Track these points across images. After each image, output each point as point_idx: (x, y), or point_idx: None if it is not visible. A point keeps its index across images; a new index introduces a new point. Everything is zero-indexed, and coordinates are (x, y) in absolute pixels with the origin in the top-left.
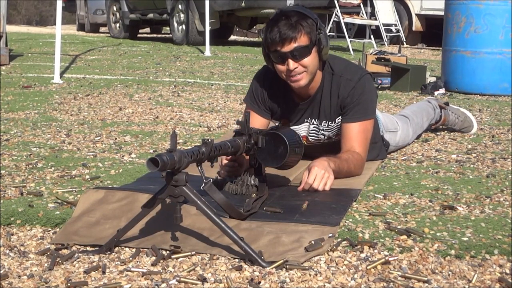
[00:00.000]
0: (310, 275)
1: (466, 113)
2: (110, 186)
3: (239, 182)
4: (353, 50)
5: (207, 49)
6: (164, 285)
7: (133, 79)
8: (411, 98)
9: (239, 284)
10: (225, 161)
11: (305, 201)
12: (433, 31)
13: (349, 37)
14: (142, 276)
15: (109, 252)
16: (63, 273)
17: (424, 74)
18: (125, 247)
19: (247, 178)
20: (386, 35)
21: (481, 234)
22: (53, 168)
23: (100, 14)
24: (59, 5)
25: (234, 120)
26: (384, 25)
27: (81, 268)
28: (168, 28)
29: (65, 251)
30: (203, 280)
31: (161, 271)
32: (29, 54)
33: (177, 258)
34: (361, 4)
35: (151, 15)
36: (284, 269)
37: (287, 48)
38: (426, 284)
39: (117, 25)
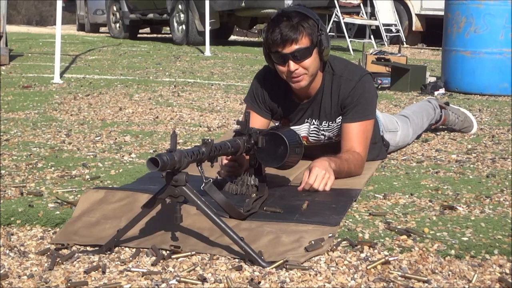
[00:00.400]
0: (310, 275)
1: (466, 113)
2: (110, 186)
3: (239, 182)
4: (353, 50)
5: (207, 49)
6: (164, 285)
7: (133, 79)
8: (411, 98)
9: (239, 284)
10: (225, 161)
11: (305, 201)
12: (433, 31)
13: (349, 37)
14: (142, 276)
15: (109, 252)
16: (63, 273)
17: (424, 74)
18: (125, 247)
19: (247, 178)
20: (386, 35)
21: (481, 234)
22: (53, 168)
23: (100, 14)
24: (59, 5)
25: (234, 120)
26: (384, 25)
27: (81, 268)
28: (168, 28)
29: (65, 251)
30: (203, 280)
31: (161, 271)
32: (29, 54)
33: (177, 258)
34: (361, 4)
35: (151, 15)
36: (284, 269)
37: (288, 49)
38: (426, 284)
39: (117, 25)
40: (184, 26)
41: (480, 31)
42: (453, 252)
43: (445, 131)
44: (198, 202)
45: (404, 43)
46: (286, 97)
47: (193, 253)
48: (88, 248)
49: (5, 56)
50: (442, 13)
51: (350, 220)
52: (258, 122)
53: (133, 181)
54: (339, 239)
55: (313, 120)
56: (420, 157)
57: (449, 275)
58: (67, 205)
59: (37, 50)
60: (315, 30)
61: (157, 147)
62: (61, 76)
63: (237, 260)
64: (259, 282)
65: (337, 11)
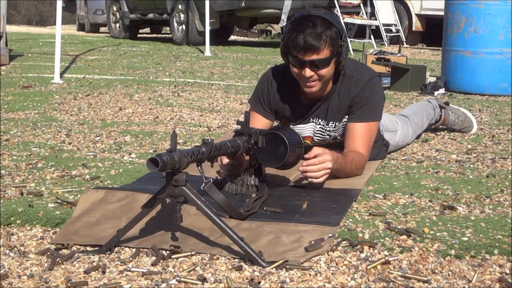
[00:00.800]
0: (310, 275)
1: (466, 113)
2: (110, 186)
3: (239, 182)
4: (353, 50)
5: (207, 49)
6: (164, 285)
7: (133, 79)
8: (411, 98)
9: (239, 284)
10: (225, 161)
11: (305, 201)
12: (433, 31)
13: (349, 37)
14: (142, 276)
15: (109, 252)
16: (63, 273)
17: (424, 74)
18: (125, 247)
19: (247, 178)
20: (386, 35)
21: (481, 234)
22: (53, 168)
23: (100, 14)
24: (59, 5)
25: (234, 120)
26: (384, 25)
27: (81, 268)
28: (168, 28)
29: (65, 251)
30: (203, 280)
31: (161, 271)
32: (29, 54)
33: (177, 258)
34: (361, 4)
35: (151, 15)
36: (284, 269)
37: (308, 57)
38: (426, 284)
39: (117, 25)
40: (184, 26)
41: (480, 31)
42: (453, 252)
43: (445, 131)
44: (198, 202)
45: (404, 43)
46: (294, 97)
47: (193, 253)
48: (88, 248)
49: (5, 56)
50: (442, 13)
51: (350, 220)
52: (261, 123)
53: (133, 181)
54: (339, 239)
55: (319, 120)
56: (420, 157)
57: (449, 275)
58: (67, 205)
59: (37, 50)
60: (337, 41)
61: (157, 147)
62: (61, 76)
63: (237, 260)
64: (259, 282)
65: (337, 11)
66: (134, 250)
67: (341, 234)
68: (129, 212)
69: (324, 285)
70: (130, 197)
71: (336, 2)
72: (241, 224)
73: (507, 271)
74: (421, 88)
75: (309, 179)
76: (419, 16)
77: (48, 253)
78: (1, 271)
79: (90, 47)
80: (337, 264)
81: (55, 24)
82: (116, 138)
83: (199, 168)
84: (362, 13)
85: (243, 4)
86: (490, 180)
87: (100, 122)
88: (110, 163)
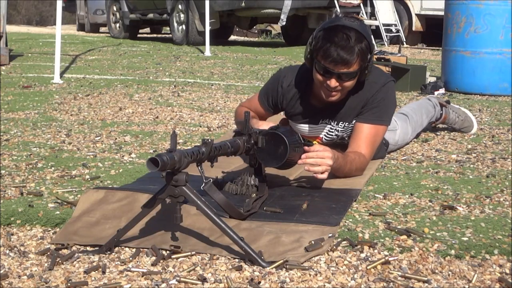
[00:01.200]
0: (310, 275)
1: (466, 112)
2: (110, 186)
3: (239, 182)
4: None
5: (207, 49)
6: (164, 285)
7: (133, 79)
8: (411, 98)
9: (239, 284)
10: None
11: (305, 201)
12: (433, 31)
13: None
14: (142, 276)
15: (109, 252)
16: (63, 273)
17: (424, 74)
18: (125, 247)
19: (247, 178)
20: (386, 35)
21: (481, 234)
22: (53, 168)
23: (100, 14)
24: (59, 5)
25: (234, 120)
26: (384, 25)
27: (81, 268)
28: (168, 28)
29: (65, 251)
30: (203, 280)
31: (161, 271)
32: (29, 54)
33: (177, 258)
34: (361, 4)
35: (151, 15)
36: (284, 269)
37: (338, 69)
38: (426, 284)
39: (117, 25)
40: (184, 26)
41: (480, 31)
42: (453, 252)
43: (445, 131)
44: (198, 202)
45: (404, 43)
46: (305, 99)
47: (193, 253)
48: (88, 248)
49: (5, 56)
50: (442, 13)
51: (350, 220)
52: (256, 110)
53: (133, 181)
54: (339, 239)
55: (330, 121)
56: (420, 157)
57: (449, 275)
58: (67, 205)
59: (37, 50)
60: (367, 55)
61: (157, 147)
62: (61, 76)
63: (237, 260)
64: (259, 282)
65: (337, 11)
66: (134, 250)
67: (341, 234)
68: (129, 212)
69: (324, 285)
70: (130, 197)
71: (336, 2)
72: (241, 224)
73: (507, 271)
74: (421, 88)
75: (313, 174)
76: (419, 16)
77: (48, 253)
78: (1, 271)
79: (90, 47)
80: (337, 264)
81: (55, 24)
82: (116, 138)
83: (199, 168)
84: (362, 13)
85: (243, 4)
86: (490, 180)
87: (100, 122)
88: (110, 163)
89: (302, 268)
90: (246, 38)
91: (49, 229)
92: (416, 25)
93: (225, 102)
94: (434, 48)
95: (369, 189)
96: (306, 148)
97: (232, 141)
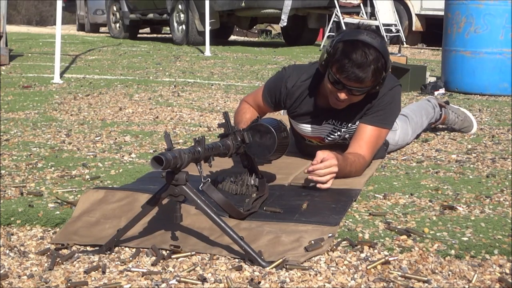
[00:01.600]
0: (310, 275)
1: (466, 112)
2: (110, 186)
3: (239, 182)
4: None
5: (207, 49)
6: (164, 285)
7: (133, 79)
8: (411, 98)
9: (239, 284)
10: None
11: (305, 201)
12: (433, 31)
13: None
14: (142, 276)
15: (109, 252)
16: (63, 273)
17: (424, 74)
18: (125, 247)
19: (247, 178)
20: (386, 35)
21: (481, 234)
22: (53, 168)
23: (100, 14)
24: (59, 5)
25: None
26: (384, 25)
27: (81, 268)
28: (168, 28)
29: (65, 251)
30: (203, 280)
31: (161, 271)
32: (29, 54)
33: (177, 258)
34: (361, 4)
35: (151, 15)
36: (284, 269)
37: (349, 84)
38: (426, 284)
39: (117, 25)
40: (184, 26)
41: (480, 31)
42: (453, 252)
43: (445, 131)
44: (198, 201)
45: (404, 43)
46: (311, 101)
47: (193, 253)
48: (88, 248)
49: (5, 56)
50: (442, 13)
51: (350, 220)
52: (260, 106)
53: (133, 181)
54: (339, 239)
55: (333, 121)
56: (420, 157)
57: (449, 275)
58: (67, 205)
59: (37, 50)
60: (381, 75)
61: (157, 147)
62: (61, 76)
63: (237, 260)
64: (259, 282)
65: (337, 11)
66: (134, 250)
67: (341, 234)
68: (129, 212)
69: (324, 285)
70: (130, 197)
71: (336, 2)
72: (241, 224)
73: (507, 271)
74: (421, 88)
75: (317, 185)
76: (419, 16)
77: (48, 253)
78: (1, 271)
79: (90, 47)
80: (337, 264)
81: (55, 24)
82: (116, 138)
83: (199, 167)
84: (362, 13)
85: (243, 4)
86: (490, 180)
87: (100, 122)
88: (110, 163)
89: (302, 268)
90: (246, 38)
91: (49, 229)
92: (416, 25)
93: (225, 102)
94: (434, 48)
95: (369, 189)
96: (312, 162)
97: (222, 141)
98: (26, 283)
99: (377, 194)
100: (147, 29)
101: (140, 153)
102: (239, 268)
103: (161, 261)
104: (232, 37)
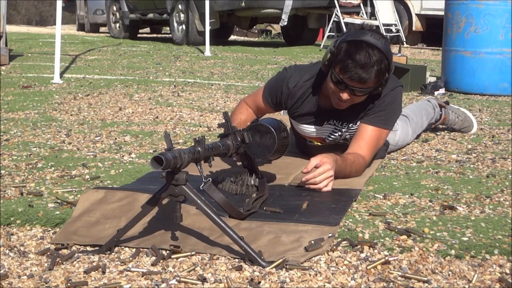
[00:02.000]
0: (310, 275)
1: (466, 112)
2: (110, 186)
3: (239, 182)
4: None
5: (207, 49)
6: (164, 285)
7: (133, 79)
8: (411, 98)
9: (239, 284)
10: None
11: (305, 201)
12: (433, 31)
13: None
14: (142, 276)
15: (109, 252)
16: (63, 273)
17: (424, 74)
18: (125, 247)
19: (247, 178)
20: (386, 35)
21: (481, 234)
22: (53, 168)
23: (100, 14)
24: (59, 5)
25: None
26: (384, 25)
27: (81, 268)
28: (168, 28)
29: (65, 251)
30: (203, 280)
31: (161, 271)
32: (29, 54)
33: (177, 258)
34: (361, 4)
35: (151, 15)
36: (284, 269)
37: (352, 84)
38: (426, 284)
39: (117, 25)
40: (184, 26)
41: (480, 31)
42: (453, 252)
43: (445, 131)
44: (198, 201)
45: (404, 43)
46: (313, 101)
47: (193, 253)
48: (88, 248)
49: (5, 56)
50: (442, 13)
51: (350, 220)
52: (260, 107)
53: (133, 181)
54: (339, 239)
55: (335, 122)
56: (420, 157)
57: (449, 275)
58: (67, 205)
59: (37, 50)
60: (384, 76)
61: (157, 147)
62: (61, 76)
63: (237, 260)
64: (259, 282)
65: (337, 11)
66: (134, 250)
67: (341, 234)
68: (129, 212)
69: (324, 285)
70: (130, 197)
71: (336, 2)
72: (241, 224)
73: (507, 271)
74: (421, 88)
75: (317, 190)
76: (419, 16)
77: (48, 253)
78: (1, 271)
79: (90, 47)
80: (337, 264)
81: (55, 24)
82: (116, 138)
83: (199, 167)
84: (362, 13)
85: (243, 4)
86: (490, 180)
87: (100, 122)
88: (110, 163)
89: (302, 268)
90: (246, 38)
91: (49, 229)
92: (416, 25)
93: (225, 102)
94: (434, 48)
95: (369, 189)
96: (304, 170)
97: (222, 141)
98: (26, 283)
99: (377, 194)
100: (147, 29)
101: (140, 153)
102: (239, 268)
103: (161, 261)
104: (232, 37)
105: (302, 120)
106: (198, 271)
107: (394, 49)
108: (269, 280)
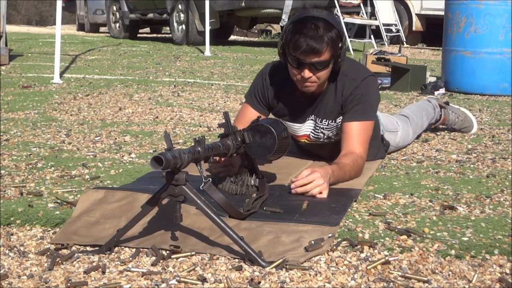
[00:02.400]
0: (310, 275)
1: (466, 112)
2: (110, 186)
3: (239, 182)
4: (353, 50)
5: (207, 49)
6: (164, 285)
7: (133, 79)
8: (411, 98)
9: (239, 284)
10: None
11: (305, 201)
12: (433, 31)
13: (349, 37)
14: (142, 276)
15: (109, 252)
16: (63, 273)
17: (424, 74)
18: (125, 247)
19: (247, 178)
20: (386, 35)
21: (481, 234)
22: (53, 168)
23: (100, 14)
24: (59, 5)
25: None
26: (384, 25)
27: (81, 268)
28: (168, 28)
29: (65, 251)
30: (203, 280)
31: (161, 271)
32: (29, 54)
33: (177, 258)
34: (361, 4)
35: (151, 15)
36: (284, 269)
37: (309, 59)
38: (426, 284)
39: (117, 25)
40: (184, 26)
41: (480, 31)
42: (453, 252)
43: (445, 131)
44: (198, 201)
45: (404, 43)
46: (290, 95)
47: (193, 253)
48: (88, 248)
49: (5, 56)
50: (442, 13)
51: (350, 220)
52: (252, 115)
53: (133, 181)
54: (339, 239)
55: (315, 118)
56: (420, 157)
57: (449, 275)
58: (67, 205)
59: (37, 50)
60: (338, 43)
61: (157, 147)
62: (61, 76)
63: (237, 260)
64: (259, 282)
65: (337, 11)
66: (134, 250)
67: (341, 234)
68: (129, 212)
69: (324, 285)
70: (130, 197)
71: (336, 2)
72: (241, 224)
73: (507, 271)
74: (421, 88)
75: (317, 195)
76: (419, 16)
77: (48, 253)
78: (1, 271)
79: (90, 47)
80: (337, 264)
81: (55, 24)
82: (116, 138)
83: (199, 167)
84: (362, 13)
85: (243, 4)
86: (490, 180)
87: (100, 122)
88: (110, 163)
89: (302, 268)
90: (246, 38)
91: (49, 229)
92: (416, 25)
93: (225, 102)
94: (434, 48)
95: (369, 189)
96: (292, 179)
97: (222, 141)
98: (26, 283)
99: (377, 194)
100: (147, 29)
101: (140, 153)
102: (239, 268)
103: (161, 261)
104: (232, 37)
105: (283, 116)
106: (198, 271)
107: (394, 49)
108: (269, 280)
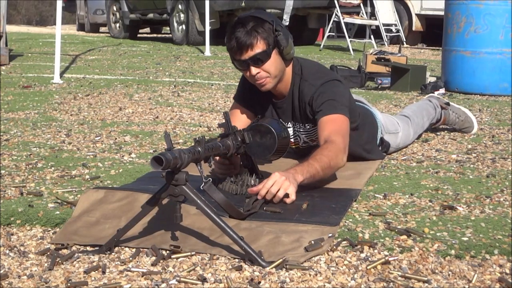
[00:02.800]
0: (310, 275)
1: (467, 112)
2: (110, 186)
3: (239, 182)
4: (353, 50)
5: (207, 49)
6: (164, 285)
7: (133, 79)
8: (411, 98)
9: (239, 284)
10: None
11: (305, 201)
12: (433, 31)
13: (349, 37)
14: (142, 276)
15: (109, 252)
16: (63, 273)
17: (424, 74)
18: (125, 247)
19: (247, 178)
20: (386, 35)
21: (481, 234)
22: (53, 168)
23: (100, 14)
24: (59, 5)
25: None
26: (384, 25)
27: (81, 268)
28: (168, 28)
29: (65, 251)
30: (203, 280)
31: (161, 271)
32: (29, 54)
33: (177, 258)
34: (361, 4)
35: (151, 15)
36: (284, 269)
37: (246, 55)
38: (426, 284)
39: (117, 25)
40: (184, 26)
41: (480, 31)
42: (453, 252)
43: (445, 131)
44: (198, 201)
45: (404, 43)
46: (265, 96)
47: (193, 253)
48: (88, 248)
49: (5, 56)
50: (442, 13)
51: (350, 220)
52: (242, 120)
53: (133, 181)
54: (339, 239)
55: (294, 122)
56: (420, 157)
57: (449, 275)
58: (67, 205)
59: (37, 50)
60: (271, 32)
61: (157, 147)
62: (61, 76)
63: (237, 260)
64: (259, 282)
65: (337, 11)
66: (134, 250)
67: (341, 234)
68: (129, 212)
69: (324, 285)
70: (130, 197)
71: (336, 2)
72: (241, 224)
73: (507, 271)
74: (421, 88)
75: (285, 199)
76: (419, 16)
77: (48, 253)
78: (1, 271)
79: (90, 47)
80: (337, 264)
81: (55, 24)
82: (116, 138)
83: (199, 168)
84: (362, 13)
85: (243, 4)
86: (490, 180)
87: (100, 122)
88: (110, 163)
89: (302, 268)
90: None
91: (49, 229)
92: (416, 25)
93: (225, 102)
94: (434, 48)
95: (369, 189)
96: (253, 189)
97: (222, 141)
98: (26, 283)
99: (377, 194)
100: (147, 29)
101: (140, 153)
102: (239, 268)
103: (161, 261)
104: None
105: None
106: (198, 271)
107: (394, 49)
108: (269, 280)
